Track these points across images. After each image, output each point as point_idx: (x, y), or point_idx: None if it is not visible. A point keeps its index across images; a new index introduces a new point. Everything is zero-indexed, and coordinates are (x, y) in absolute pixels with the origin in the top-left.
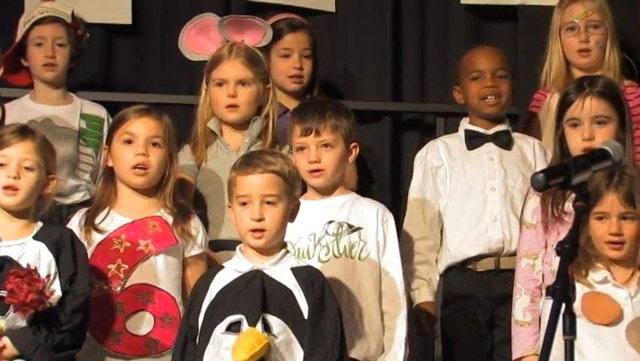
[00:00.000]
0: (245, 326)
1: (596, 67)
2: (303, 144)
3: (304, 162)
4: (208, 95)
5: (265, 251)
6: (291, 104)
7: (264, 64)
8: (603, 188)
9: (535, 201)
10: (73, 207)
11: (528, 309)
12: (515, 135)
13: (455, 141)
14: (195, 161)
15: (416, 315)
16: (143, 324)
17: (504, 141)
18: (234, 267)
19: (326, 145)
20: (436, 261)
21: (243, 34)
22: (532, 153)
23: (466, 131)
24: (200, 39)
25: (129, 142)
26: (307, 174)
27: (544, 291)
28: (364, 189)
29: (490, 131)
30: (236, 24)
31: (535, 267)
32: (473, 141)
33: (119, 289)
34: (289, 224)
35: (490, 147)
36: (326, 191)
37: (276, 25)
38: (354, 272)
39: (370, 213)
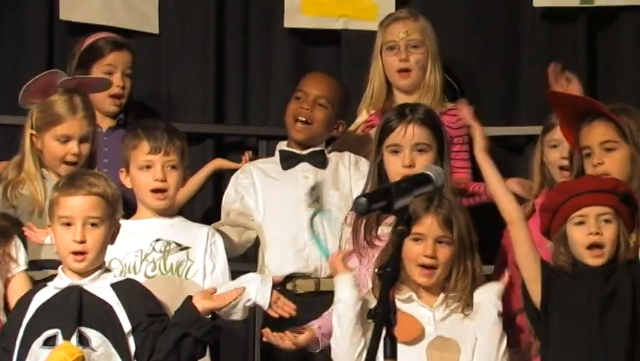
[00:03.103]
0: (60, 339)
1: (416, 87)
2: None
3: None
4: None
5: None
6: (105, 122)
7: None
8: (422, 210)
9: (348, 230)
10: None
11: None
12: (330, 155)
13: (271, 165)
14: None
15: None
16: None
17: (319, 160)
18: (55, 284)
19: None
20: None
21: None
22: (346, 166)
23: (281, 152)
24: (37, 93)
25: None
26: (150, 193)
27: None
28: (187, 211)
29: (305, 152)
30: (77, 84)
31: None
32: (288, 161)
33: None
34: (117, 240)
35: (305, 167)
36: (162, 212)
37: (98, 42)
38: (180, 291)
39: (199, 234)
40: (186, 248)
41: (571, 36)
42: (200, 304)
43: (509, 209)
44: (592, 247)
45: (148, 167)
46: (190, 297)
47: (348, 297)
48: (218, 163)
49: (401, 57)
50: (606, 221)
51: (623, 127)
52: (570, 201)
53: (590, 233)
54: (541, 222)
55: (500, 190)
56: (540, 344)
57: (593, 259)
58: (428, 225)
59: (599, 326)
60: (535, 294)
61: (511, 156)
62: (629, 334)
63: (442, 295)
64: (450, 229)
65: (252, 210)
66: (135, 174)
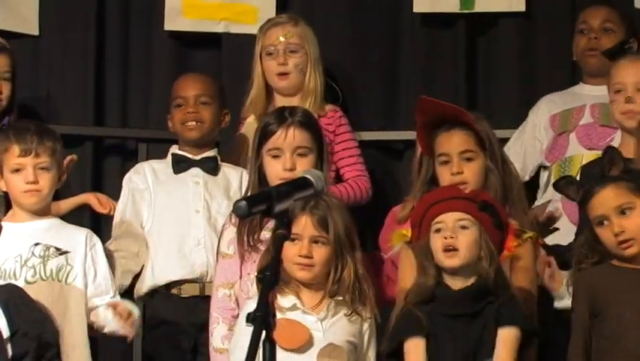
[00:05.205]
0: None
1: (295, 90)
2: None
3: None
4: None
5: None
6: None
7: None
8: (298, 210)
9: (231, 231)
10: None
11: (227, 337)
12: (224, 164)
13: (163, 165)
14: None
15: None
16: None
17: (210, 166)
18: None
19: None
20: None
21: None
22: (238, 180)
23: (173, 156)
24: None
25: None
26: (23, 194)
27: None
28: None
29: (197, 157)
30: None
31: (232, 296)
32: (179, 165)
33: None
34: None
35: (196, 172)
36: (38, 212)
37: None
38: (60, 296)
39: (78, 238)
40: (65, 252)
41: (450, 41)
42: None
43: None
44: (447, 250)
45: (19, 170)
46: None
47: None
48: (92, 199)
49: (279, 61)
50: (463, 227)
51: (483, 137)
52: (430, 210)
53: (445, 237)
54: (412, 237)
55: None
56: None
57: (447, 260)
58: (303, 225)
59: None
60: None
61: (391, 161)
62: None
63: (327, 302)
64: (325, 229)
65: (144, 216)
66: (8, 177)
